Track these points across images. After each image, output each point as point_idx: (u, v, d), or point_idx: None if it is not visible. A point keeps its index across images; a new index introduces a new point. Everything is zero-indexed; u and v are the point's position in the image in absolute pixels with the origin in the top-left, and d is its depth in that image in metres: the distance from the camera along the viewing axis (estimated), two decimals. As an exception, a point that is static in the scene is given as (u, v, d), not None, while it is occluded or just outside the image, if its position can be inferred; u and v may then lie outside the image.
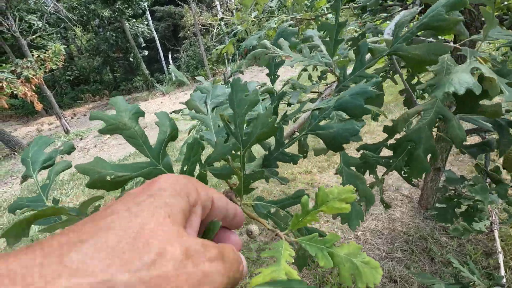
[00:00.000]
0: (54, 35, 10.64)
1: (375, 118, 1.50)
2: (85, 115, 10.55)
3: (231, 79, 0.77)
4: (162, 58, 13.78)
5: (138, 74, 13.09)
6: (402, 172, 0.59)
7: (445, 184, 1.60)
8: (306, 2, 1.65)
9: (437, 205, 1.39)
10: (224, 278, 0.18)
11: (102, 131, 0.33)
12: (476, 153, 0.69)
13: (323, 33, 0.70)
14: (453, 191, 1.58)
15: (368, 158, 0.59)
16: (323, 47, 0.54)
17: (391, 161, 0.57)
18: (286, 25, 0.69)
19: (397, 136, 0.57)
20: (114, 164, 0.33)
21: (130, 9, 10.96)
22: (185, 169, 0.36)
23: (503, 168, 0.65)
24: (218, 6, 12.59)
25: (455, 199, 1.36)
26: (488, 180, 1.32)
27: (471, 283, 1.16)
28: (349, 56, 0.65)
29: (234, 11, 12.19)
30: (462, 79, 0.41)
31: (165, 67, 13.71)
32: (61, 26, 11.54)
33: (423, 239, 1.91)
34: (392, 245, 1.93)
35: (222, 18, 3.73)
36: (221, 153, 0.36)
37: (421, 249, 1.85)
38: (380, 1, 1.26)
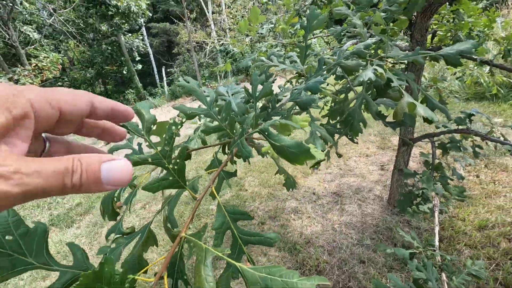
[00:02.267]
0: (47, 47, 10.85)
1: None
2: (74, 124, 10.57)
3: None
4: (156, 72, 14.13)
5: (131, 87, 13.34)
6: (349, 136, 0.91)
7: (406, 182, 1.97)
8: (290, 30, 2.03)
9: (401, 198, 1.72)
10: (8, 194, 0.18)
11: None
12: (394, 126, 0.99)
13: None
14: (411, 187, 1.92)
15: (329, 129, 0.92)
16: (298, 60, 0.87)
17: (342, 130, 0.89)
18: (275, 50, 1.02)
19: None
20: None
21: (127, 24, 11.37)
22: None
23: (393, 119, 0.90)
24: (212, 25, 13.20)
25: (411, 193, 1.69)
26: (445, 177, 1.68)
27: (416, 250, 1.46)
28: (313, 65, 0.98)
29: (227, 30, 12.83)
30: (366, 74, 0.74)
31: (158, 81, 14.04)
32: (57, 39, 11.81)
33: (389, 229, 2.24)
34: (363, 234, 2.23)
35: (222, 44, 4.12)
36: (243, 108, 0.67)
37: (386, 237, 2.17)
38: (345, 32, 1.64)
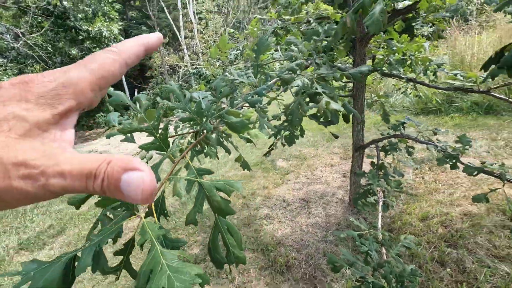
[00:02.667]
0: (11, 71, 10.55)
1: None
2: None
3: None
4: (128, 95, 14.09)
5: (102, 110, 13.15)
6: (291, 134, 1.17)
7: (360, 183, 2.28)
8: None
9: (356, 196, 2.00)
10: (31, 195, 0.19)
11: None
12: (325, 124, 1.26)
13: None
14: (364, 186, 2.22)
15: (277, 126, 1.17)
16: (252, 75, 1.13)
17: (285, 125, 1.15)
18: (242, 72, 1.28)
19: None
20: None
21: (98, 48, 11.43)
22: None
23: (320, 117, 1.19)
24: (185, 49, 13.60)
25: (364, 191, 1.98)
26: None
27: (363, 232, 1.73)
28: (263, 78, 1.26)
29: (200, 54, 13.28)
30: (296, 83, 1.01)
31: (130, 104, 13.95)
32: (22, 63, 11.52)
33: (349, 226, 2.51)
34: (326, 232, 2.48)
35: (195, 67, 4.44)
36: (209, 106, 0.91)
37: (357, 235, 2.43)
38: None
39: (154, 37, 0.29)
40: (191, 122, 0.81)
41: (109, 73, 0.25)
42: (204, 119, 0.78)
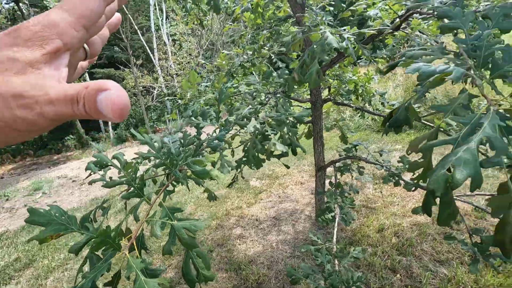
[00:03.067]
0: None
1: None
2: (2, 177, 9.57)
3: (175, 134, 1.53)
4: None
5: (71, 132, 12.73)
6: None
7: (324, 200, 2.51)
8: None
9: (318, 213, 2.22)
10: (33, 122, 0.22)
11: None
12: (278, 157, 1.49)
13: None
14: (326, 204, 2.45)
15: (237, 161, 1.38)
16: (214, 113, 1.35)
17: (244, 160, 1.36)
18: (208, 107, 1.49)
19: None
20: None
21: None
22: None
23: (273, 154, 1.42)
24: (159, 71, 13.69)
25: (326, 207, 2.20)
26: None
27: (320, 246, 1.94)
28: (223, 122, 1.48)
29: (174, 76, 13.42)
30: (249, 126, 1.23)
31: (102, 125, 13.65)
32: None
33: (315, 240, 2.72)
34: (295, 248, 2.68)
35: (169, 90, 4.61)
36: (178, 151, 1.09)
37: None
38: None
39: None
40: (164, 167, 1.00)
41: (87, 10, 0.26)
42: (173, 167, 0.97)
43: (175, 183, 1.04)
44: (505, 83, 0.65)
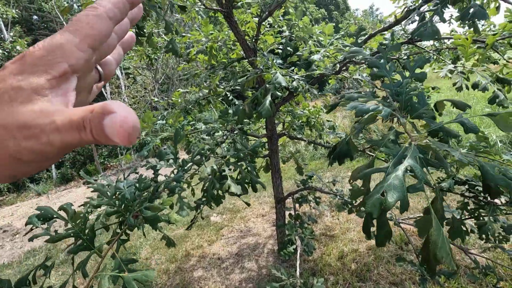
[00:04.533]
0: None
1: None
2: None
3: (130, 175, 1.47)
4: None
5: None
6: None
7: (285, 232, 2.52)
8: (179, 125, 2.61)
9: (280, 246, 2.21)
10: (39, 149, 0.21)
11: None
12: (238, 195, 1.52)
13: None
14: (286, 236, 2.46)
15: (197, 201, 1.36)
16: (172, 162, 1.34)
17: (203, 200, 1.35)
18: (165, 147, 1.48)
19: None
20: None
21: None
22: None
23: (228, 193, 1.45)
24: (111, 105, 13.08)
25: (285, 240, 2.21)
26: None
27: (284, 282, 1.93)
28: (181, 163, 1.48)
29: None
30: (205, 170, 1.25)
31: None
32: None
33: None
34: (259, 285, 2.61)
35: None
36: (133, 196, 1.05)
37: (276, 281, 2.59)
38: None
39: None
40: (118, 214, 0.95)
41: (94, 30, 0.25)
42: (127, 213, 0.93)
43: (129, 231, 0.99)
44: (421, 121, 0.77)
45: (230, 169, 1.28)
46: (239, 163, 1.41)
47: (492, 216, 1.70)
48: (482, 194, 1.76)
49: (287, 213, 3.14)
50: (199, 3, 1.83)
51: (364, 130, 3.06)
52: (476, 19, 1.00)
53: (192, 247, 3.59)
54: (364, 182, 0.71)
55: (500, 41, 1.72)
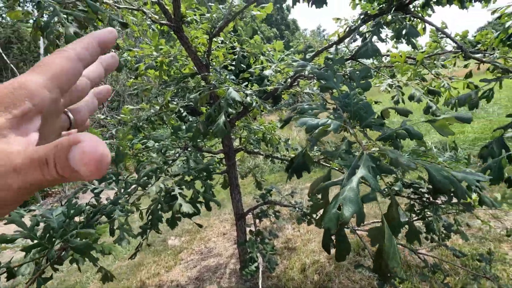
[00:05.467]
0: None
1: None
2: None
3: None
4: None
5: None
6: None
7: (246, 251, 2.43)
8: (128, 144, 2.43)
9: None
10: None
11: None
12: (189, 216, 1.44)
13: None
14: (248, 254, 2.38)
15: (142, 226, 1.24)
16: (115, 186, 1.22)
17: (149, 225, 1.24)
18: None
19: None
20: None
21: None
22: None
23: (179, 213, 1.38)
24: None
25: (246, 259, 2.13)
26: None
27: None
28: (124, 185, 1.36)
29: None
30: (152, 189, 1.16)
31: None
32: None
33: (242, 296, 2.58)
34: (222, 309, 2.46)
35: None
36: (61, 224, 0.91)
37: (241, 304, 2.48)
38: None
39: (105, 31, 0.29)
40: (38, 248, 0.81)
41: (61, 71, 0.25)
42: (51, 246, 0.80)
43: (58, 265, 0.85)
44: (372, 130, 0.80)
45: (181, 188, 1.20)
46: (193, 182, 1.33)
47: (436, 215, 1.84)
48: (425, 195, 1.91)
49: (248, 229, 3.08)
50: (146, 17, 1.76)
51: (319, 142, 3.19)
52: (410, 37, 1.09)
53: (147, 276, 3.30)
54: (323, 195, 0.70)
55: (428, 58, 1.93)
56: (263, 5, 1.87)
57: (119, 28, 1.27)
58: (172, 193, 1.16)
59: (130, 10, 2.25)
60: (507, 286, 1.55)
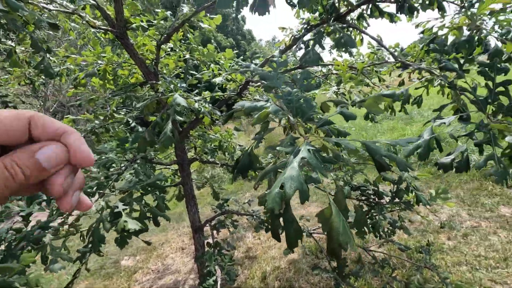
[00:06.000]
0: None
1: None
2: None
3: None
4: None
5: None
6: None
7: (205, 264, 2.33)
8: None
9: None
10: None
11: None
12: (136, 234, 1.35)
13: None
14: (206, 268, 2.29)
15: (80, 250, 1.12)
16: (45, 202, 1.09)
17: (89, 247, 1.12)
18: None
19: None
20: None
21: None
22: None
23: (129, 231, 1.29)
24: None
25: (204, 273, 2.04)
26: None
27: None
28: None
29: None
30: (98, 205, 1.07)
31: None
32: None
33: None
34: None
35: None
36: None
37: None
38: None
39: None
40: None
41: None
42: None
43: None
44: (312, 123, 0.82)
45: (127, 204, 1.11)
46: (142, 196, 1.24)
47: (381, 214, 1.97)
48: (372, 197, 2.04)
49: (206, 241, 2.98)
50: (82, 21, 1.64)
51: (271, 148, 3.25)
52: (348, 47, 1.16)
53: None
54: (269, 184, 0.69)
55: (368, 67, 2.09)
56: (212, 16, 1.86)
57: (50, 32, 1.15)
58: (116, 210, 1.07)
59: (67, 15, 2.08)
60: (444, 273, 1.71)
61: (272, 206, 0.53)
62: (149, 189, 1.37)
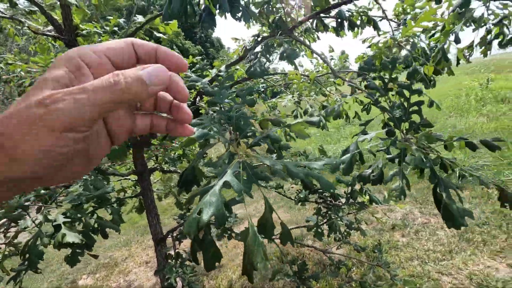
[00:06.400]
0: None
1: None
2: None
3: None
4: None
5: None
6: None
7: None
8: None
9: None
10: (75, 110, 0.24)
11: None
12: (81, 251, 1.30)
13: None
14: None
15: (14, 270, 1.05)
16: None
17: (25, 265, 1.06)
18: None
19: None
20: None
21: None
22: None
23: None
24: None
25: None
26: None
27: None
28: None
29: None
30: (57, 219, 1.01)
31: None
32: None
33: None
34: None
35: None
36: None
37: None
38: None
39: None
40: None
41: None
42: None
43: None
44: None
45: (70, 217, 1.06)
46: (94, 209, 1.19)
47: (337, 215, 2.06)
48: (328, 199, 2.13)
49: (169, 253, 2.90)
50: (22, 27, 1.55)
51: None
52: (290, 59, 1.22)
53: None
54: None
55: (322, 76, 2.20)
56: (168, 22, 1.86)
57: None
58: (55, 223, 1.01)
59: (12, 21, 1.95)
60: (394, 271, 1.83)
61: (188, 231, 0.54)
62: (100, 201, 1.32)
